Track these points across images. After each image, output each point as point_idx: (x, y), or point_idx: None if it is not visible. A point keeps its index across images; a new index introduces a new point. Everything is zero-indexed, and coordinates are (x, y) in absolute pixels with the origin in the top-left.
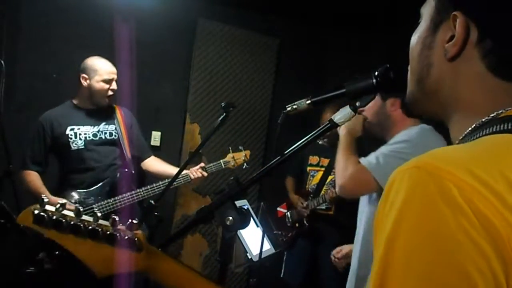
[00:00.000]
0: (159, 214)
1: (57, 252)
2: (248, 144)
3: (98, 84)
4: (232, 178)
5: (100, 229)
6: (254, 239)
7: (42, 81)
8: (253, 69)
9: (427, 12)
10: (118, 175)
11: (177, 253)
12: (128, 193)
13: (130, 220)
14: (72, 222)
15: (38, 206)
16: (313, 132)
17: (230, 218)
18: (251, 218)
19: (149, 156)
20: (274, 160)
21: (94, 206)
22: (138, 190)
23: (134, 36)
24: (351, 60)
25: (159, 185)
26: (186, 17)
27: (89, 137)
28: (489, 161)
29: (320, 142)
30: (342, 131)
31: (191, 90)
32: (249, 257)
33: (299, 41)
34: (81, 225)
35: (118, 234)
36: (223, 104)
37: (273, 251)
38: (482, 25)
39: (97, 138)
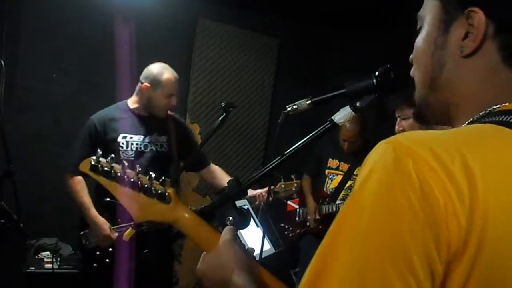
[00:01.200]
0: None
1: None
2: (248, 144)
3: (158, 96)
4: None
5: (139, 182)
6: (254, 239)
7: (42, 81)
8: (253, 69)
9: (430, 14)
10: None
11: (178, 253)
12: None
13: (163, 177)
14: (118, 173)
15: (94, 157)
16: (313, 132)
17: (230, 218)
18: (251, 218)
19: (205, 166)
20: (274, 160)
21: (132, 224)
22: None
23: (134, 36)
24: (351, 60)
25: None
26: (186, 17)
27: (140, 148)
28: (454, 143)
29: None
30: None
31: (191, 90)
32: None
33: (299, 41)
34: (125, 176)
35: (152, 188)
36: (223, 104)
37: (273, 251)
38: (498, 19)
39: (148, 150)
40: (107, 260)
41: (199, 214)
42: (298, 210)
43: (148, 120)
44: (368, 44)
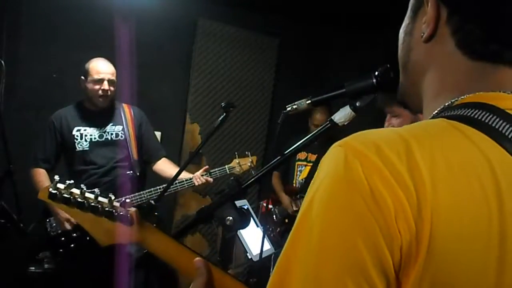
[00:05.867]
0: (159, 214)
1: (61, 250)
2: (248, 144)
3: (89, 85)
4: (232, 178)
5: (99, 206)
6: (254, 239)
7: (42, 81)
8: (253, 69)
9: (410, 4)
10: (119, 177)
11: None
12: (130, 195)
13: (123, 199)
14: (78, 199)
15: (52, 184)
16: (313, 132)
17: (230, 218)
18: (251, 218)
19: (160, 158)
20: (274, 160)
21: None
22: (140, 192)
23: (134, 36)
24: (351, 60)
25: (161, 188)
26: (186, 17)
27: (94, 138)
28: (403, 142)
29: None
30: None
31: (191, 90)
32: (249, 257)
33: (299, 41)
34: (85, 201)
35: (113, 210)
36: (223, 104)
37: (273, 251)
38: (449, 3)
39: (103, 139)
40: (72, 245)
41: (199, 215)
42: (273, 209)
43: (101, 113)
44: (368, 44)
